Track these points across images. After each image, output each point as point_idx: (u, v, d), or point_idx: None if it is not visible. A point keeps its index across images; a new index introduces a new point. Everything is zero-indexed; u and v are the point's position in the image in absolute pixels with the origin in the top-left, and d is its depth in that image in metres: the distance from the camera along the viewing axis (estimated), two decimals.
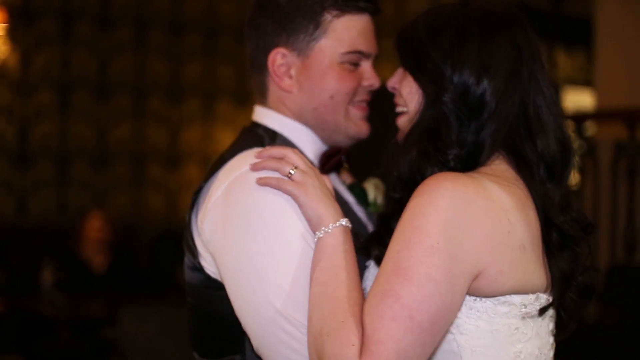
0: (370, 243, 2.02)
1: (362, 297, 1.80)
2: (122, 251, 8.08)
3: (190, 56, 9.90)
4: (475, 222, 1.76)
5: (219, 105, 10.05)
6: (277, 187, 1.94)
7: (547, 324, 1.94)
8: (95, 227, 7.90)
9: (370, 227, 2.26)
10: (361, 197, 2.38)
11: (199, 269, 2.09)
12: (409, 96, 1.98)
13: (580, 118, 6.68)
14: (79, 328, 7.17)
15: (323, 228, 1.88)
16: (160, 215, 9.66)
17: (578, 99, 11.03)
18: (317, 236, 1.89)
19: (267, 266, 1.90)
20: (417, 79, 1.96)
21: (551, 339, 1.96)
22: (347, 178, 2.44)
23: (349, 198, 2.32)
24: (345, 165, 2.39)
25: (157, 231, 9.35)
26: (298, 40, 2.16)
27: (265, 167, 1.97)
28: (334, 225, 1.88)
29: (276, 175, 1.95)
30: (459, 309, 1.79)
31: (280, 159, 1.98)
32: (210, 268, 2.06)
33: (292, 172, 1.94)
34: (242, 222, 1.96)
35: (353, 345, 1.70)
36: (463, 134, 1.89)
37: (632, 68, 7.37)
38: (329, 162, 2.24)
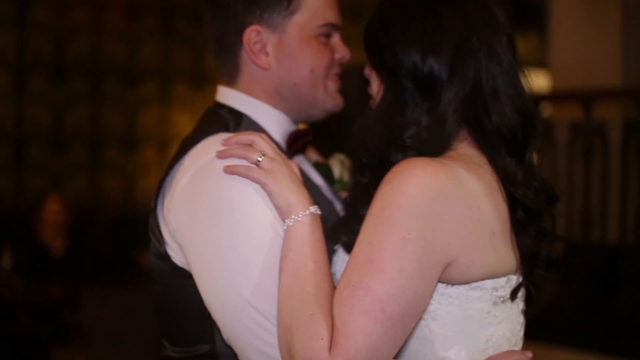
0: (339, 229, 1.99)
1: (332, 288, 1.79)
2: (81, 234, 8.05)
3: (147, 39, 9.86)
4: (446, 210, 1.74)
5: (176, 88, 10.02)
6: (245, 176, 1.90)
7: (518, 304, 1.95)
8: (53, 211, 7.86)
9: (337, 206, 2.26)
10: (327, 175, 2.37)
11: (166, 257, 2.05)
12: (373, 83, 1.99)
13: (536, 99, 6.72)
14: (38, 312, 7.14)
15: (292, 216, 1.86)
16: (118, 198, 9.63)
17: (533, 81, 11.12)
18: (286, 224, 1.86)
19: (237, 256, 1.88)
20: (374, 67, 1.98)
21: (521, 319, 1.97)
22: (313, 155, 2.43)
23: (317, 179, 2.31)
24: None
25: (115, 214, 9.32)
26: (272, 16, 2.13)
27: (232, 154, 1.94)
28: (303, 213, 1.86)
29: (244, 163, 1.92)
30: (430, 298, 1.78)
31: (248, 145, 1.95)
32: (177, 257, 2.03)
33: (259, 159, 1.91)
34: (210, 212, 1.92)
35: (322, 338, 1.68)
36: (418, 113, 1.87)
37: (587, 49, 7.46)
38: (296, 144, 2.21)
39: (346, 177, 2.39)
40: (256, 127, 2.15)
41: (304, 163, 2.31)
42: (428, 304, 1.79)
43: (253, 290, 1.85)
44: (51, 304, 7.11)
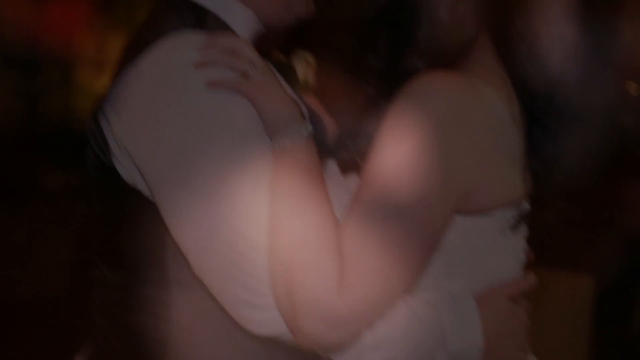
0: (338, 145, 1.79)
1: (335, 217, 1.57)
2: None
3: None
4: (473, 136, 1.56)
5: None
6: (235, 90, 1.62)
7: (521, 230, 1.76)
8: None
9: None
10: (288, 76, 2.06)
11: (111, 170, 1.74)
12: None
13: None
14: None
15: (289, 133, 1.60)
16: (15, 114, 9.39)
17: None
18: (280, 142, 1.61)
19: (225, 178, 1.60)
20: None
21: (524, 244, 1.80)
22: (273, 53, 2.12)
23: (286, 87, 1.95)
24: None
25: (14, 132, 9.10)
26: None
27: (217, 62, 1.62)
28: (300, 130, 1.62)
29: (228, 73, 1.63)
30: (445, 232, 1.61)
31: (231, 51, 1.65)
32: (124, 171, 1.73)
33: (249, 70, 1.63)
34: (188, 126, 1.62)
35: (331, 277, 1.49)
36: (434, 9, 1.64)
37: None
38: (261, 47, 1.83)
39: (311, 78, 2.16)
40: (223, 28, 1.81)
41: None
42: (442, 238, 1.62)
43: (243, 218, 1.59)
44: None
